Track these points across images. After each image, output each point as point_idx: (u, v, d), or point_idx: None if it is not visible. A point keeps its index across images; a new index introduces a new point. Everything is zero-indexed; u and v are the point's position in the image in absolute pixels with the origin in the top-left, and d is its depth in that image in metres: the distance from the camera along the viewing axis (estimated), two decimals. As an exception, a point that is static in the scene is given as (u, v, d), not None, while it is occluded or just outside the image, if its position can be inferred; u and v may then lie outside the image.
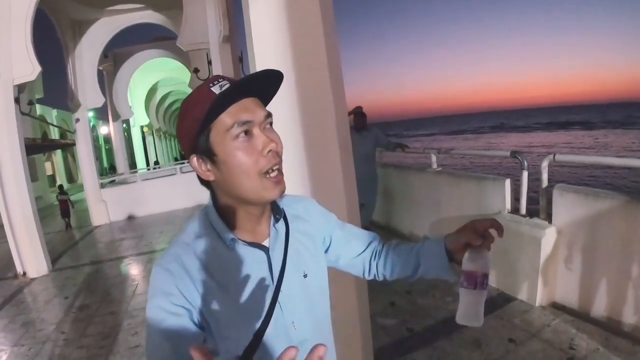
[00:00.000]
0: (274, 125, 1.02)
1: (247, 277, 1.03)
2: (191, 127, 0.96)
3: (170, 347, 0.93)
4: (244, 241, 1.05)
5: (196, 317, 0.97)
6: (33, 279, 7.50)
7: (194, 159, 1.00)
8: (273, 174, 0.97)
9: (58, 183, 24.94)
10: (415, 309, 4.18)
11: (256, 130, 0.95)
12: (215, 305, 0.98)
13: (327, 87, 2.35)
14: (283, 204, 1.17)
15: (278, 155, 0.97)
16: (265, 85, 1.00)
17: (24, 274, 7.72)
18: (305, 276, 1.14)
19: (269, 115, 0.98)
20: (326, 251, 1.32)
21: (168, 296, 0.95)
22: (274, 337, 1.02)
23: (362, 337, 2.67)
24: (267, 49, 2.34)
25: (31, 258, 7.72)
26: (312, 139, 2.35)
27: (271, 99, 1.06)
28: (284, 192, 1.00)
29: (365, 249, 1.38)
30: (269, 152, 0.95)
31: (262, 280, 1.04)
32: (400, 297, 4.45)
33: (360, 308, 2.66)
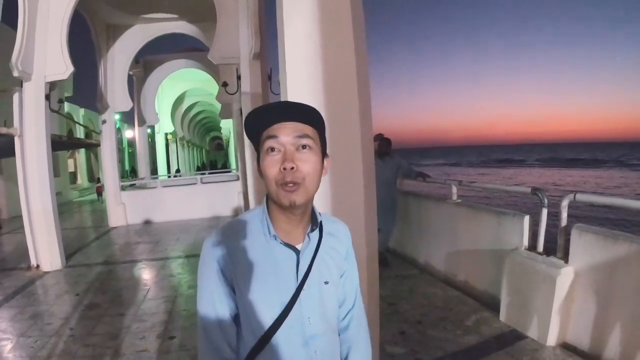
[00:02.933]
0: None
1: (276, 270, 1.24)
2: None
3: (213, 309, 1.23)
4: (280, 240, 1.25)
5: (231, 288, 1.24)
6: (46, 273, 7.57)
7: (255, 158, 1.26)
8: (287, 187, 1.13)
9: (79, 181, 25.40)
10: (426, 339, 4.13)
11: (285, 149, 1.15)
12: (244, 285, 1.22)
13: (356, 112, 2.38)
14: (322, 220, 1.36)
15: (296, 173, 1.13)
16: (309, 116, 1.19)
17: (38, 266, 7.79)
18: (326, 283, 1.31)
19: (302, 139, 1.15)
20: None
21: (209, 265, 1.24)
22: (290, 326, 1.23)
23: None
24: (299, 71, 2.39)
25: (46, 251, 7.80)
26: (337, 162, 2.37)
27: (321, 126, 1.25)
28: (294, 202, 1.15)
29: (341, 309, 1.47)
30: (284, 169, 1.13)
31: (288, 276, 1.25)
32: (411, 327, 4.41)
33: (371, 334, 2.65)
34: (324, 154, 1.25)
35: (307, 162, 1.15)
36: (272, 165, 1.15)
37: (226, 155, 39.54)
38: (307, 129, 1.18)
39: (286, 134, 1.15)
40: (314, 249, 1.30)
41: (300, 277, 1.26)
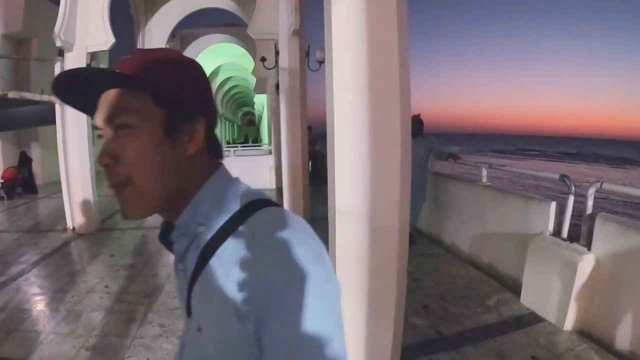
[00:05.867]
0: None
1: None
2: None
3: None
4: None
5: None
6: (81, 235, 7.86)
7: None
8: (114, 190, 0.79)
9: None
10: (447, 314, 4.29)
11: (106, 135, 0.79)
12: None
13: (396, 90, 2.50)
14: (248, 222, 0.76)
15: (115, 171, 0.77)
16: (125, 72, 0.77)
17: (74, 229, 8.07)
18: (199, 330, 0.78)
19: (114, 116, 0.77)
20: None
21: None
22: None
23: (394, 327, 2.82)
24: (344, 51, 2.52)
25: (82, 215, 8.09)
26: (377, 136, 2.51)
27: (159, 79, 0.79)
28: (127, 215, 0.80)
29: None
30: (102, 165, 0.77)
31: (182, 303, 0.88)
32: (434, 301, 4.57)
33: (397, 303, 2.80)
34: (176, 121, 0.80)
35: (125, 148, 0.76)
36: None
37: (257, 131, 39.64)
38: (122, 98, 0.77)
39: (99, 111, 0.79)
40: (193, 267, 0.81)
41: (185, 300, 0.84)
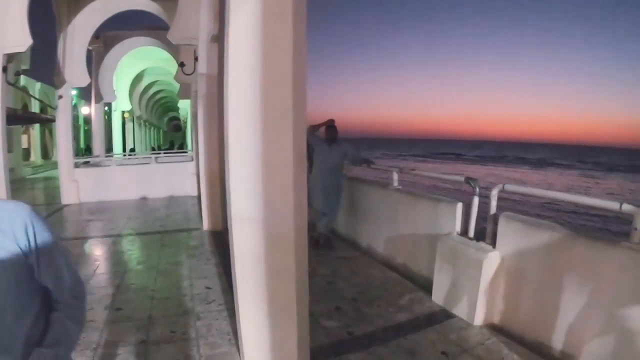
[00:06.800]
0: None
1: None
2: None
3: None
4: None
5: None
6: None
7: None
8: None
9: (32, 158, 24.73)
10: (359, 315, 4.36)
11: None
12: None
13: (289, 99, 2.56)
14: None
15: None
16: None
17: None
18: None
19: None
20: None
21: None
22: None
23: (298, 330, 2.86)
24: (240, 60, 2.55)
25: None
26: (270, 144, 2.56)
27: None
28: None
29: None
30: None
31: None
32: (346, 303, 4.64)
33: (299, 307, 2.84)
34: None
35: None
36: None
37: (184, 137, 39.08)
38: None
39: None
40: None
41: None
